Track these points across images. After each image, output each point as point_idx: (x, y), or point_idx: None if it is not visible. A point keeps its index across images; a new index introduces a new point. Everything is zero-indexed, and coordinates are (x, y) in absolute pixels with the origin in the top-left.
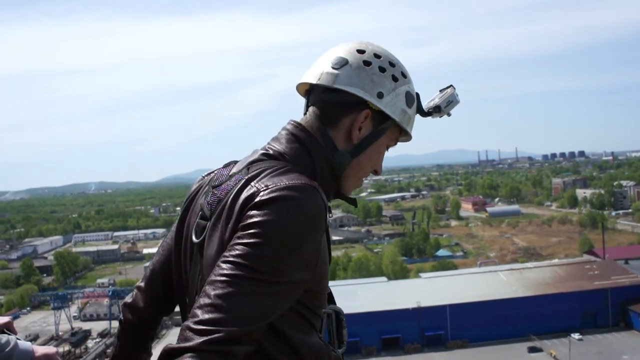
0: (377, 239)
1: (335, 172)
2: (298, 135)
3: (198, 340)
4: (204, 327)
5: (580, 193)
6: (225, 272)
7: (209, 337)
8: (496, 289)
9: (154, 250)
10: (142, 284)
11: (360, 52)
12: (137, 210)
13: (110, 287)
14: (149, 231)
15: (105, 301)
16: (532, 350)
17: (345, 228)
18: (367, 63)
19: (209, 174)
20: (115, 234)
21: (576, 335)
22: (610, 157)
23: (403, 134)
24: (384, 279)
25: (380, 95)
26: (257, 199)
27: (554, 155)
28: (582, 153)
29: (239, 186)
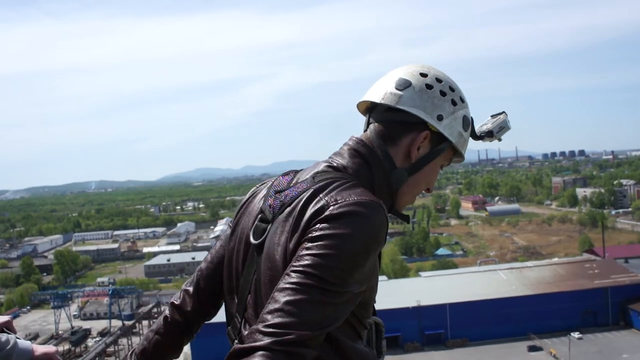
0: None
1: (392, 188)
2: (360, 150)
3: (268, 340)
4: (274, 330)
5: (580, 192)
6: (295, 280)
7: (280, 338)
8: (496, 288)
9: (154, 249)
10: (190, 288)
11: (423, 75)
12: (137, 209)
13: (110, 286)
14: (149, 230)
15: (105, 300)
16: (532, 349)
17: None
18: (429, 86)
19: (264, 183)
20: (115, 232)
21: (576, 334)
22: (611, 156)
23: (457, 155)
24: (384, 277)
25: (440, 118)
26: (327, 212)
27: (554, 154)
28: (582, 152)
29: (307, 195)
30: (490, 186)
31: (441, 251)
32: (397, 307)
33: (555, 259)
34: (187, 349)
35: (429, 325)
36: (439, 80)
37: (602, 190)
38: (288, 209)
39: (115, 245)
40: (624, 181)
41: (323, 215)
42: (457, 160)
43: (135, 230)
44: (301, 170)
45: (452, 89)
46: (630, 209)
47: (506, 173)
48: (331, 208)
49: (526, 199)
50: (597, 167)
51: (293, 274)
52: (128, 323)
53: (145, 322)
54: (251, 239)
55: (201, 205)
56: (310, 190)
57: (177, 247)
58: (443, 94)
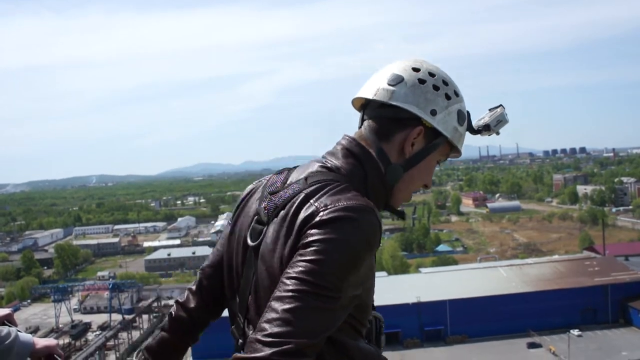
0: None
1: (387, 185)
2: (352, 150)
3: (269, 351)
4: (273, 340)
5: (581, 189)
6: (290, 287)
7: (280, 348)
8: (496, 285)
9: (154, 243)
10: (194, 287)
11: (416, 70)
12: (138, 203)
13: (110, 280)
14: (149, 224)
15: (106, 294)
16: (532, 345)
17: None
18: (421, 81)
19: (260, 180)
20: (116, 227)
21: (575, 332)
22: (612, 154)
23: (453, 150)
24: (384, 273)
25: (433, 113)
26: (317, 218)
27: (554, 151)
28: (583, 149)
29: (298, 200)
30: (491, 183)
31: (441, 247)
32: (397, 303)
33: (556, 256)
34: None
35: (428, 321)
36: (431, 75)
37: (603, 188)
38: (282, 212)
39: (116, 240)
40: (624, 179)
41: (314, 221)
42: (454, 155)
43: (136, 225)
44: (295, 168)
45: (445, 83)
46: (630, 207)
47: (507, 170)
48: (321, 214)
49: (527, 196)
50: (598, 165)
51: (288, 281)
52: (128, 317)
53: (145, 317)
54: (248, 241)
55: (202, 200)
56: (302, 195)
57: (177, 241)
58: (436, 88)
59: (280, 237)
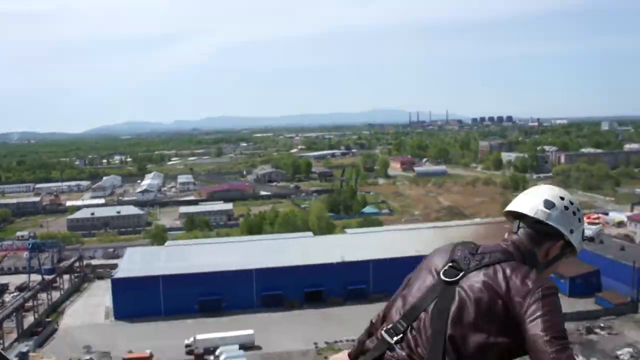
0: (305, 195)
1: None
2: (520, 246)
3: None
4: None
5: (505, 156)
6: (547, 338)
7: None
8: (419, 246)
9: (77, 202)
10: (374, 320)
11: (562, 198)
12: (62, 161)
13: (30, 239)
14: (73, 183)
15: (25, 254)
16: None
17: (274, 183)
18: (566, 208)
19: (440, 248)
20: (38, 185)
21: None
22: (536, 123)
23: (572, 254)
24: (310, 234)
25: (571, 231)
26: (542, 292)
27: (482, 119)
28: (509, 118)
29: (509, 268)
30: (420, 147)
31: (368, 209)
32: (321, 263)
33: (477, 219)
34: (109, 302)
35: (352, 280)
36: (571, 203)
37: (526, 156)
38: (487, 270)
39: (37, 199)
40: (547, 147)
41: (540, 294)
42: (570, 256)
43: (59, 184)
44: (479, 245)
45: (578, 210)
46: (550, 174)
47: (435, 135)
48: (541, 289)
49: (453, 162)
50: (522, 133)
51: (543, 332)
52: (48, 277)
53: (66, 277)
54: (442, 276)
55: (129, 159)
56: (509, 266)
57: (102, 200)
58: (574, 213)
59: (489, 288)
